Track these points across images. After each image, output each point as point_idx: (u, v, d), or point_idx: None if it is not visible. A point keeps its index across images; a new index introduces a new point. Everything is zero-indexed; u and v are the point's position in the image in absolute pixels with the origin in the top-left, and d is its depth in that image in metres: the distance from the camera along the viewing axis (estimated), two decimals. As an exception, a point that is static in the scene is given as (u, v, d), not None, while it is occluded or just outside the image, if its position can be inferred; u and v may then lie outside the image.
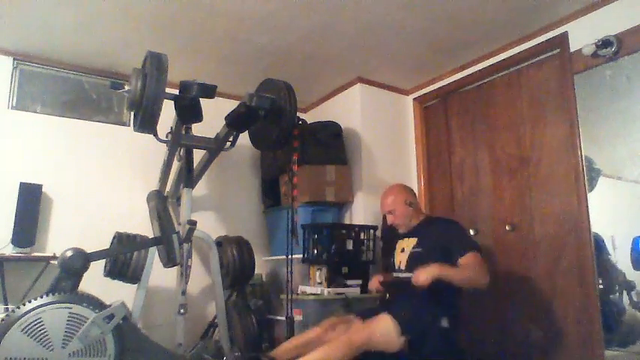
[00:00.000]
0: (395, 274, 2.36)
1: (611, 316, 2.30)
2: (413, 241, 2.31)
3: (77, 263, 1.76)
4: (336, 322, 2.22)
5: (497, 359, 2.81)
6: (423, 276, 1.96)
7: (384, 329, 1.98)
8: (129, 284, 2.57)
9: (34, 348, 1.61)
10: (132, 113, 2.27)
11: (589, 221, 2.41)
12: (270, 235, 3.54)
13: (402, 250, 2.34)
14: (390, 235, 2.67)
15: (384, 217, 3.14)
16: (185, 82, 2.05)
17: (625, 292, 2.33)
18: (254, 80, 2.69)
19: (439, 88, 3.43)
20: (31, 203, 2.71)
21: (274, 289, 3.33)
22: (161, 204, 2.35)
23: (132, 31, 2.73)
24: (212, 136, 2.60)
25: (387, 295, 2.51)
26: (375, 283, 2.41)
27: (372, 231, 3.09)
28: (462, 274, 2.04)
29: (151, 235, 2.51)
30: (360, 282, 2.96)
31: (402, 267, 2.29)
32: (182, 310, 2.63)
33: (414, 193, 2.56)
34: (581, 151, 2.47)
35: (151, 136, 2.31)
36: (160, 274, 2.69)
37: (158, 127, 2.20)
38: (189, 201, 2.43)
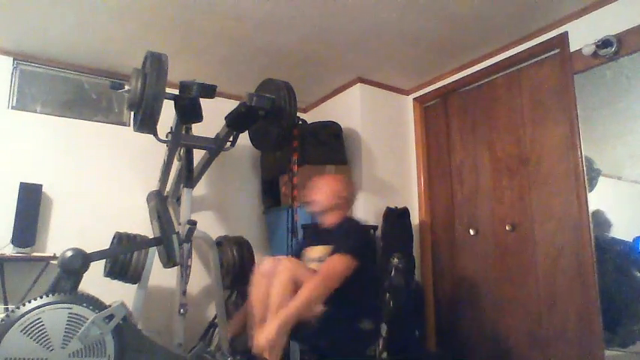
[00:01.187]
0: None
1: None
2: (325, 248, 2.17)
3: (77, 263, 1.75)
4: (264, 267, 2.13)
5: (497, 359, 2.81)
6: (261, 342, 1.79)
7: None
8: (129, 284, 2.56)
9: (34, 348, 1.61)
10: (132, 113, 2.27)
11: (589, 221, 2.40)
12: (270, 235, 3.54)
13: (320, 260, 2.17)
14: (301, 240, 2.55)
15: (385, 216, 3.15)
16: (185, 82, 2.05)
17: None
18: (254, 80, 2.69)
19: (439, 88, 3.43)
20: (31, 203, 2.71)
21: (274, 289, 3.32)
22: (161, 204, 2.35)
23: (132, 31, 2.73)
24: (212, 136, 2.60)
25: None
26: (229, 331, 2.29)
27: (372, 231, 3.09)
28: (299, 303, 1.86)
29: (151, 235, 2.51)
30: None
31: None
32: (182, 310, 2.63)
33: (351, 196, 2.43)
34: (581, 151, 2.47)
35: (151, 136, 2.30)
36: (160, 274, 2.68)
37: (158, 127, 2.20)
38: (189, 201, 2.43)
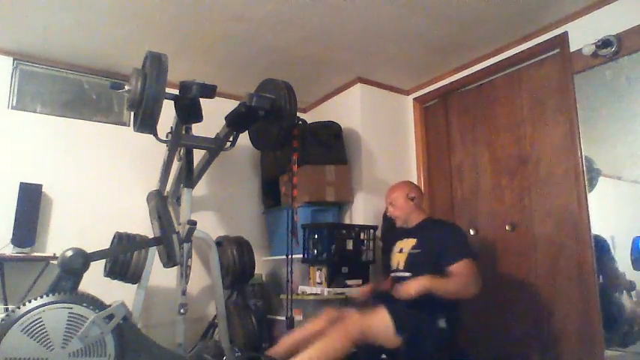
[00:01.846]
0: (393, 274, 2.34)
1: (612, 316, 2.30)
2: (412, 241, 2.29)
3: (77, 263, 1.75)
4: (333, 314, 2.21)
5: (498, 359, 2.81)
6: (411, 289, 1.94)
7: (381, 323, 1.97)
8: (129, 284, 2.57)
9: (34, 348, 1.61)
10: (132, 113, 2.26)
11: (589, 221, 2.41)
12: (270, 235, 3.54)
13: (401, 251, 2.32)
14: (390, 235, 2.67)
15: (384, 217, 3.15)
16: (185, 82, 2.04)
17: (625, 292, 2.32)
18: (254, 80, 2.69)
19: (439, 88, 3.43)
20: (31, 203, 2.71)
21: (274, 289, 3.33)
22: (161, 204, 2.35)
23: (132, 31, 2.73)
24: (212, 136, 2.60)
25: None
26: (365, 291, 2.43)
27: (372, 231, 3.09)
28: (451, 286, 2.01)
29: (151, 235, 2.51)
30: (360, 282, 2.96)
31: (401, 267, 2.28)
32: (182, 310, 2.63)
33: (421, 192, 2.54)
34: (581, 151, 2.47)
35: (151, 136, 2.30)
36: (160, 274, 2.69)
37: (158, 127, 2.19)
38: (189, 201, 2.43)
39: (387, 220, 2.78)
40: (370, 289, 2.44)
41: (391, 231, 2.55)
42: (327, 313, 2.24)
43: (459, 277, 2.02)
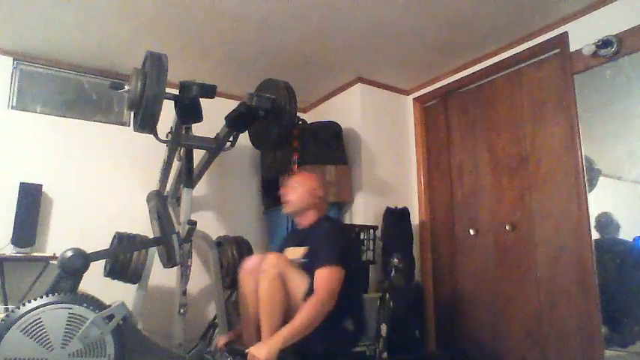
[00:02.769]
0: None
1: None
2: (300, 250, 2.12)
3: (77, 263, 1.75)
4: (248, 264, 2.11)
5: (498, 359, 2.81)
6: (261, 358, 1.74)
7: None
8: (129, 284, 2.56)
9: (34, 348, 1.61)
10: (132, 113, 2.26)
11: (589, 221, 2.41)
12: (270, 235, 3.54)
13: (297, 262, 2.10)
14: (282, 241, 2.52)
15: (385, 216, 3.15)
16: (185, 82, 2.05)
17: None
18: (254, 80, 2.68)
19: (439, 88, 3.43)
20: (31, 203, 2.71)
21: (274, 289, 3.32)
22: (161, 204, 2.34)
23: (132, 31, 2.73)
24: (212, 136, 2.60)
25: None
26: (219, 343, 2.19)
27: (372, 231, 3.09)
28: (301, 326, 1.82)
29: (151, 235, 2.51)
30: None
31: None
32: (182, 310, 2.63)
33: (326, 194, 2.40)
34: (581, 151, 2.47)
35: (151, 136, 2.30)
36: (160, 274, 2.68)
37: (158, 127, 2.20)
38: (189, 201, 2.43)
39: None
40: (226, 341, 2.17)
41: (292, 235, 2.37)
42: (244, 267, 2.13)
43: (311, 303, 1.85)
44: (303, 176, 2.32)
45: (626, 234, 2.32)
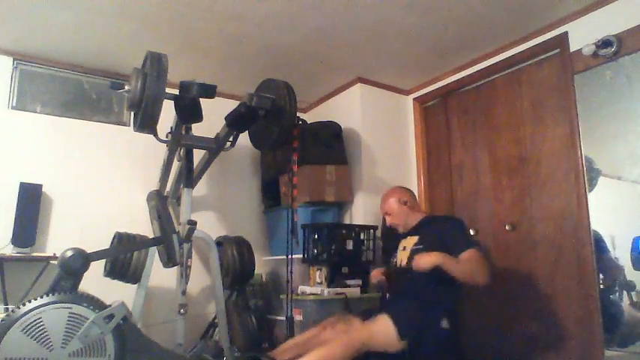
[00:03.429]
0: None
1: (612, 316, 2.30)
2: (414, 238, 2.29)
3: (77, 263, 1.75)
4: (335, 321, 2.22)
5: (498, 359, 2.81)
6: (424, 260, 1.97)
7: (383, 330, 1.96)
8: (129, 284, 2.56)
9: (34, 348, 1.61)
10: (132, 113, 2.27)
11: (589, 221, 2.41)
12: (270, 235, 3.54)
13: (404, 249, 2.33)
14: (392, 234, 2.67)
15: (384, 219, 3.15)
16: (185, 82, 2.05)
17: (625, 292, 2.32)
18: (254, 80, 2.69)
19: (439, 88, 3.43)
20: (31, 203, 2.71)
21: (274, 289, 3.33)
22: (161, 204, 2.34)
23: (132, 31, 2.73)
24: (212, 136, 2.60)
25: (387, 295, 2.50)
26: (376, 274, 2.43)
27: (372, 231, 3.09)
28: (462, 267, 2.01)
29: (151, 235, 2.51)
30: (360, 282, 2.96)
31: (404, 264, 2.28)
32: (182, 310, 2.63)
33: (412, 193, 2.55)
34: (581, 151, 2.47)
35: (151, 136, 2.31)
36: (160, 274, 2.69)
37: (158, 127, 2.20)
38: (189, 201, 2.43)
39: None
40: (381, 271, 2.44)
41: (393, 230, 2.55)
42: (330, 320, 2.25)
43: (468, 262, 2.03)
44: (385, 200, 2.48)
45: (626, 234, 2.31)
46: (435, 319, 2.05)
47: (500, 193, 2.96)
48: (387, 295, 2.49)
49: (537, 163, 2.77)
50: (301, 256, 3.00)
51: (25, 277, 2.66)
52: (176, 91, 2.08)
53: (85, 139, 3.11)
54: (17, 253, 2.61)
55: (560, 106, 2.65)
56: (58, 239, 2.87)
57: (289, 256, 2.77)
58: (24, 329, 1.61)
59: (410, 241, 2.31)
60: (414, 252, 2.24)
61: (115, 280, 2.53)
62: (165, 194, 2.87)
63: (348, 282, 2.92)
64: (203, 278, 3.23)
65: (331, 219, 3.29)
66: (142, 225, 2.74)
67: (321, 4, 2.47)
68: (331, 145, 3.28)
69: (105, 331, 1.69)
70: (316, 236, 3.00)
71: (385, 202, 2.48)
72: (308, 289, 2.95)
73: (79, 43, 2.88)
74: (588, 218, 2.41)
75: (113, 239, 2.59)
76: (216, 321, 2.88)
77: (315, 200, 3.19)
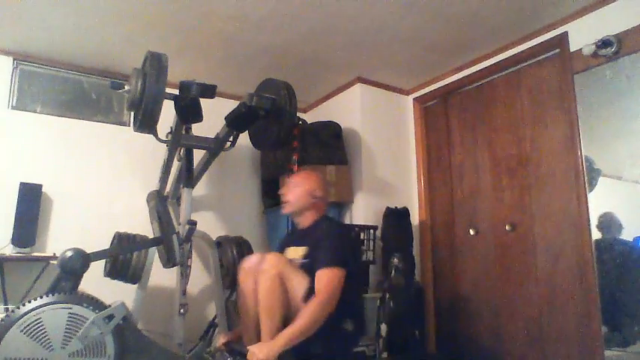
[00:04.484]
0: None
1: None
2: (301, 250, 2.12)
3: (77, 263, 1.75)
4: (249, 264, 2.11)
5: (497, 359, 2.81)
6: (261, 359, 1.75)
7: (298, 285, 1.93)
8: (129, 284, 2.56)
9: (34, 348, 1.61)
10: (132, 113, 2.27)
11: (589, 221, 2.41)
12: (270, 235, 3.54)
13: (296, 261, 2.11)
14: (282, 240, 2.53)
15: (385, 216, 3.15)
16: (185, 82, 2.05)
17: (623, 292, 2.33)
18: (254, 80, 2.69)
19: (439, 88, 3.43)
20: (31, 203, 2.71)
21: (274, 289, 3.32)
22: (161, 204, 2.35)
23: (132, 31, 2.73)
24: (212, 136, 2.60)
25: None
26: (219, 342, 2.17)
27: (372, 231, 3.09)
28: (302, 328, 1.82)
29: (151, 235, 2.51)
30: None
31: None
32: (182, 310, 2.63)
33: (326, 192, 2.37)
34: (581, 151, 2.47)
35: (151, 136, 2.30)
36: (160, 274, 2.69)
37: (158, 127, 2.20)
38: (189, 201, 2.43)
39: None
40: (226, 340, 2.15)
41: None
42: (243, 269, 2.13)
43: (313, 305, 1.85)
44: (302, 176, 2.31)
45: (626, 234, 2.32)
46: (338, 322, 1.96)
47: (500, 193, 2.96)
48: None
49: (537, 163, 2.77)
50: (301, 256, 2.99)
51: (25, 277, 2.66)
52: (176, 91, 2.08)
53: (85, 139, 3.11)
54: (17, 253, 2.61)
55: (560, 106, 2.65)
56: (58, 239, 2.87)
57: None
58: (24, 329, 1.61)
59: (297, 252, 2.15)
60: (302, 266, 2.06)
61: (115, 280, 2.53)
62: (165, 194, 2.87)
63: (348, 282, 2.91)
64: (203, 278, 3.24)
65: (331, 219, 3.29)
66: (142, 225, 2.74)
67: (320, 4, 2.47)
68: (331, 145, 3.28)
69: (105, 331, 1.69)
70: (316, 236, 2.99)
71: (300, 178, 2.29)
72: (308, 289, 2.94)
73: (79, 43, 2.88)
74: (588, 218, 2.41)
75: (113, 239, 2.59)
76: (216, 321, 2.88)
77: (315, 200, 3.18)
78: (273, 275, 1.92)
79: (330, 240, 2.05)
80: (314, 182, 2.25)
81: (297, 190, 2.22)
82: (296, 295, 1.94)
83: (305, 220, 2.23)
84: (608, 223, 2.38)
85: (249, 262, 2.12)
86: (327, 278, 1.91)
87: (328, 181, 3.21)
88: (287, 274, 1.95)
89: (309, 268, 1.99)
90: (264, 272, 1.94)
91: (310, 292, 1.92)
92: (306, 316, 1.84)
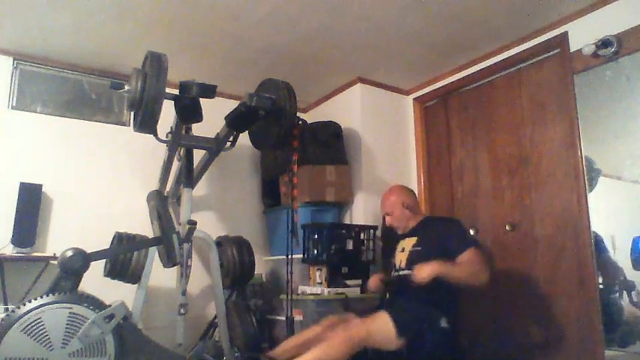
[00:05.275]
0: (394, 274, 2.34)
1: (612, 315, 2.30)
2: (413, 240, 2.30)
3: (77, 263, 1.75)
4: (335, 320, 2.22)
5: (497, 359, 2.81)
6: (424, 272, 1.95)
7: (382, 327, 1.96)
8: (129, 284, 2.56)
9: (34, 348, 1.61)
10: (132, 113, 2.27)
11: (589, 221, 2.40)
12: (270, 235, 3.54)
13: (402, 250, 2.33)
14: (391, 235, 2.68)
15: (384, 217, 3.15)
16: (185, 82, 2.05)
17: (625, 292, 2.32)
18: (254, 80, 2.69)
19: (439, 88, 3.43)
20: (31, 203, 2.71)
21: (274, 289, 3.33)
22: (161, 204, 2.35)
23: (132, 31, 2.73)
24: (212, 136, 2.60)
25: (387, 295, 2.50)
26: (374, 281, 2.42)
27: (372, 231, 3.09)
28: (462, 271, 2.03)
29: (151, 235, 2.51)
30: (359, 282, 2.96)
31: (402, 266, 2.29)
32: (182, 310, 2.63)
33: (414, 195, 2.56)
34: (581, 151, 2.47)
35: (151, 136, 2.31)
36: (160, 274, 2.68)
37: (158, 127, 2.20)
38: (189, 201, 2.43)
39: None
40: (379, 278, 2.42)
41: (392, 230, 2.56)
42: (329, 318, 2.25)
43: (468, 264, 2.04)
44: (388, 199, 2.48)
45: (626, 234, 2.31)
46: (435, 318, 2.05)
47: (500, 193, 2.96)
48: (387, 294, 2.49)
49: (537, 163, 2.77)
50: (301, 256, 3.00)
51: (25, 277, 2.66)
52: (176, 91, 2.08)
53: (85, 139, 3.11)
54: (17, 253, 2.61)
55: (560, 106, 2.65)
56: (58, 239, 2.87)
57: (289, 256, 2.77)
58: (24, 329, 1.61)
59: (408, 243, 2.31)
60: (412, 254, 2.25)
61: (115, 280, 2.53)
62: (165, 194, 2.88)
63: (348, 282, 2.92)
64: (203, 278, 3.23)
65: (331, 219, 3.29)
66: (142, 225, 2.74)
67: (320, 4, 2.47)
68: (331, 145, 3.28)
69: (105, 331, 1.69)
70: (316, 236, 3.00)
71: (387, 201, 2.48)
72: (308, 289, 2.95)
73: (79, 43, 2.88)
74: (588, 218, 2.41)
75: (113, 239, 2.59)
76: (216, 321, 2.88)
77: (315, 200, 3.19)
78: (353, 337, 1.92)
79: (457, 227, 2.27)
80: (398, 196, 2.46)
81: (396, 211, 2.43)
82: (385, 337, 1.96)
83: (411, 225, 2.41)
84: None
85: (339, 320, 2.19)
86: (476, 255, 2.06)
87: (328, 180, 3.22)
88: (369, 333, 1.95)
89: (420, 255, 2.18)
90: (348, 330, 1.96)
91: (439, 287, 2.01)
92: (466, 268, 2.02)
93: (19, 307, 1.65)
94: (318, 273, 2.96)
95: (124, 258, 2.48)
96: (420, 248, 2.24)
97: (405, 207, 2.42)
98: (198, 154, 2.72)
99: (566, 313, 2.52)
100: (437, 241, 2.20)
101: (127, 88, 1.98)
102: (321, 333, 2.14)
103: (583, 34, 2.49)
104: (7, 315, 1.64)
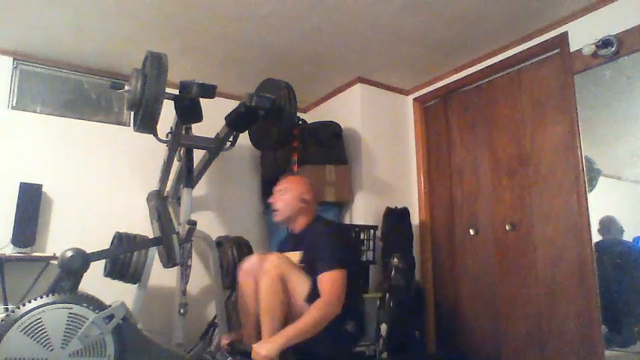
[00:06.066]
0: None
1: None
2: (297, 255, 2.11)
3: (77, 263, 1.75)
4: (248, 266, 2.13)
5: (497, 359, 2.81)
6: (260, 357, 1.76)
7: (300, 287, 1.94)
8: (129, 284, 2.56)
9: (34, 348, 1.61)
10: (132, 113, 2.26)
11: (589, 221, 2.40)
12: (270, 235, 3.54)
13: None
14: (279, 244, 2.51)
15: (385, 216, 3.15)
16: (185, 82, 2.04)
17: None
18: (254, 80, 2.69)
19: (439, 88, 3.43)
20: (31, 203, 2.71)
21: (274, 289, 3.32)
22: (161, 204, 2.35)
23: (132, 31, 2.73)
24: (212, 136, 2.60)
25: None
26: (225, 340, 2.16)
27: (372, 231, 3.09)
28: (307, 327, 1.83)
29: (151, 235, 2.51)
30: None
31: None
32: (182, 310, 2.63)
33: (315, 193, 2.33)
34: (581, 151, 2.47)
35: (151, 136, 2.30)
36: (160, 274, 2.68)
37: (158, 127, 2.20)
38: (189, 201, 2.43)
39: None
40: (229, 342, 2.13)
41: (292, 237, 2.34)
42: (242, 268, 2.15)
43: (313, 311, 1.85)
44: (290, 182, 2.29)
45: (626, 234, 2.31)
46: (340, 323, 1.95)
47: (501, 193, 2.96)
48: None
49: (537, 163, 2.77)
50: (301, 256, 2.99)
51: (25, 277, 2.66)
52: (176, 91, 2.08)
53: (85, 139, 3.11)
54: (17, 253, 2.61)
55: (560, 106, 2.65)
56: (58, 239, 2.87)
57: (289, 256, 2.76)
58: (24, 329, 1.61)
59: (294, 258, 2.10)
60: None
61: (115, 280, 2.53)
62: (165, 194, 2.87)
63: (348, 282, 2.91)
64: (203, 278, 3.23)
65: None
66: (142, 225, 2.74)
67: (320, 4, 2.47)
68: (331, 145, 3.28)
69: (105, 331, 1.69)
70: (316, 236, 2.99)
71: (287, 183, 2.26)
72: (308, 289, 2.94)
73: (79, 43, 2.88)
74: (588, 218, 2.41)
75: (113, 239, 2.59)
76: (216, 321, 2.88)
77: (315, 200, 3.18)
78: (275, 276, 1.92)
79: (328, 242, 2.04)
80: (301, 186, 2.23)
81: (286, 196, 2.21)
82: (297, 296, 1.94)
83: (298, 225, 2.23)
84: (608, 225, 2.37)
85: (250, 263, 2.13)
86: (331, 281, 1.91)
87: (328, 180, 3.22)
88: (288, 274, 1.95)
89: (307, 271, 1.99)
90: (265, 273, 1.94)
91: (313, 293, 1.92)
92: (311, 316, 1.85)
93: (18, 307, 1.65)
94: (317, 273, 2.94)
95: (124, 258, 2.48)
96: (303, 265, 2.05)
97: (301, 201, 2.19)
98: (198, 154, 2.71)
99: (566, 313, 2.52)
100: (312, 259, 2.01)
101: (127, 88, 1.98)
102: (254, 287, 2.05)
103: (583, 34, 2.49)
104: (7, 315, 1.64)
